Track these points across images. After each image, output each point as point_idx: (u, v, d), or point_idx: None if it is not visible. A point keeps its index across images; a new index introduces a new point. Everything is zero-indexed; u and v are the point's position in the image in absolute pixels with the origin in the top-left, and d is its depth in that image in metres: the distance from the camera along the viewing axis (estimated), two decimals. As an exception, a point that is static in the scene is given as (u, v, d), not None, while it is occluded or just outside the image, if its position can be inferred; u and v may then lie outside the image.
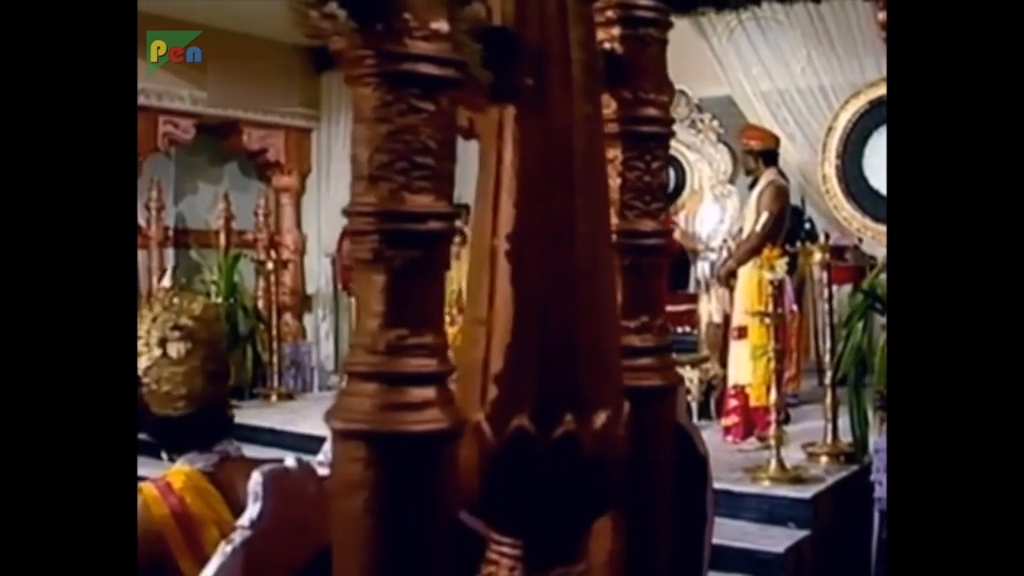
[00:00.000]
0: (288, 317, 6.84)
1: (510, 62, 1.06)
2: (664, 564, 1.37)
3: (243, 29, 6.47)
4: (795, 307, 5.29)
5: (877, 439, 3.67)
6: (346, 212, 0.96)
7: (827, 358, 4.01)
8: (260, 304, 6.72)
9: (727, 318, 5.26)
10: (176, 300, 1.69)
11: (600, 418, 1.10)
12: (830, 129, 4.13)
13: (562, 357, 1.08)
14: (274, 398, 6.47)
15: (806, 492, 3.64)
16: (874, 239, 3.90)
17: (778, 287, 3.93)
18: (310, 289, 7.26)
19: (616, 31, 1.27)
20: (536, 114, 1.07)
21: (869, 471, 3.84)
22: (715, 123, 6.43)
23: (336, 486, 0.94)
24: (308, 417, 5.77)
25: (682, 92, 6.64)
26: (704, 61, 7.28)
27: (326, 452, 1.52)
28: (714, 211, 6.40)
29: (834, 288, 5.74)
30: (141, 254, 6.23)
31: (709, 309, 5.51)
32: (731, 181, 6.39)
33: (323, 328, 7.24)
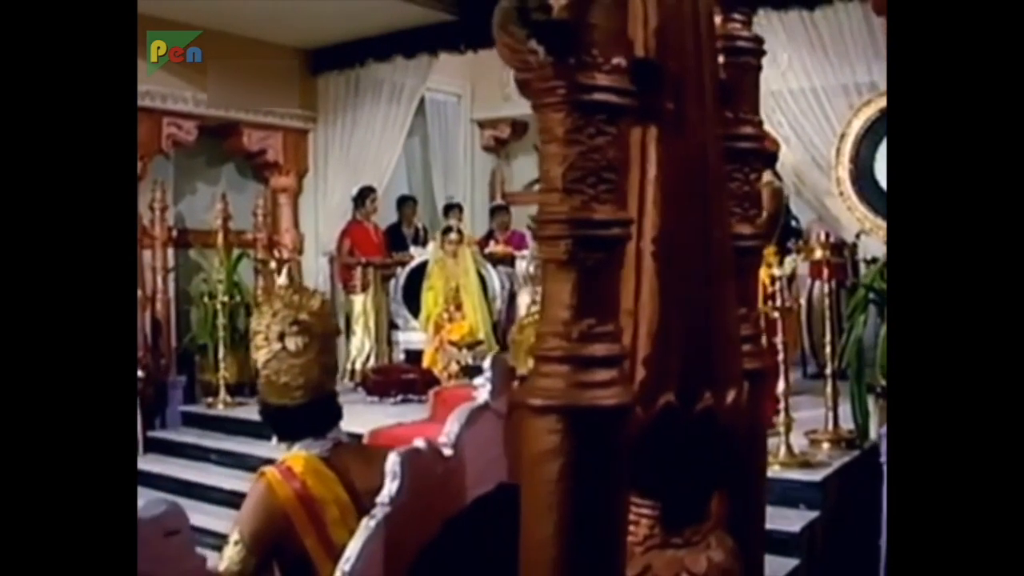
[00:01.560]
0: (284, 316, 6.91)
1: (654, 89, 1.22)
2: (761, 526, 1.55)
3: (241, 31, 6.55)
4: (801, 300, 5.50)
5: (880, 426, 3.89)
6: (535, 219, 1.13)
7: (827, 350, 4.23)
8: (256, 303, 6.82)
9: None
10: (296, 297, 1.81)
11: (731, 394, 1.28)
12: (843, 135, 4.37)
13: (700, 342, 1.25)
14: (277, 395, 6.56)
15: (816, 475, 3.83)
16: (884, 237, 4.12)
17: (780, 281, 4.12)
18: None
19: (720, 59, 1.44)
20: (676, 134, 1.23)
21: (869, 455, 4.06)
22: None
23: (531, 456, 1.09)
24: (317, 412, 5.87)
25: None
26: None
27: (448, 435, 1.66)
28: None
29: (818, 284, 5.97)
30: (146, 254, 6.29)
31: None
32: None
33: (321, 326, 7.33)
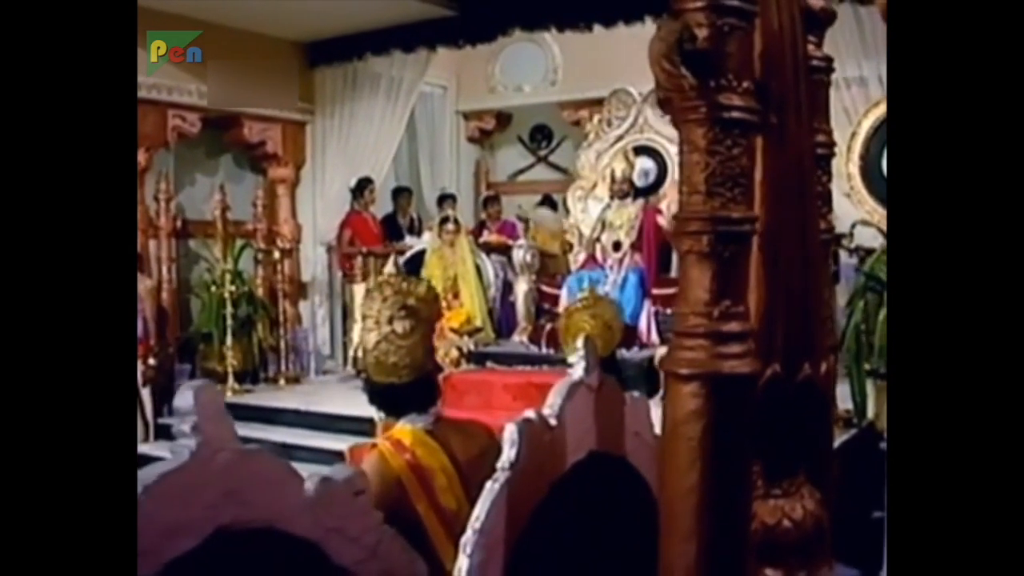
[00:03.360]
0: (285, 304, 7.07)
1: (764, 106, 1.42)
2: (831, 480, 1.76)
3: (238, 24, 6.65)
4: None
5: (877, 406, 4.16)
6: (677, 217, 1.32)
7: (825, 334, 4.45)
8: (260, 292, 6.95)
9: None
10: (404, 284, 1.99)
11: (824, 366, 1.49)
12: (853, 135, 4.63)
13: (800, 320, 1.46)
14: (282, 382, 6.74)
15: (821, 451, 4.08)
16: (892, 228, 4.35)
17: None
18: (305, 277, 7.50)
19: (799, 74, 1.65)
20: (778, 144, 1.44)
21: (867, 433, 4.33)
22: (695, 118, 6.81)
23: (675, 417, 1.29)
24: (326, 398, 6.03)
25: (663, 89, 7.06)
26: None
27: (552, 406, 1.85)
28: (694, 200, 6.81)
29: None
30: (152, 244, 6.42)
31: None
32: (709, 172, 6.80)
33: (319, 314, 7.49)
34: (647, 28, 6.28)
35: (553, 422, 1.82)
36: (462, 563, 1.59)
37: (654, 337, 6.13)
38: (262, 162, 7.39)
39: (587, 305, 2.84)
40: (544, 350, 6.20)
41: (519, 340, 6.63)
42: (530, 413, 1.78)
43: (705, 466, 1.27)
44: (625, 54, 7.54)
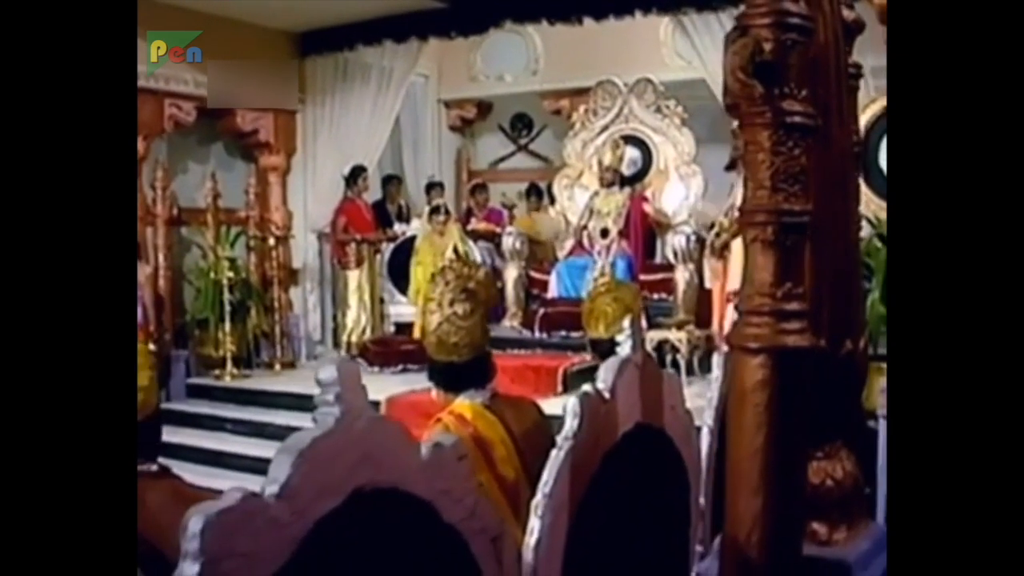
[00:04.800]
0: (278, 291, 7.16)
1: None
2: (857, 445, 1.95)
3: (232, 15, 6.70)
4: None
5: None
6: (742, 210, 1.49)
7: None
8: (253, 279, 7.04)
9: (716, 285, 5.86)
10: (465, 269, 2.14)
11: (861, 342, 1.67)
12: None
13: (843, 301, 1.64)
14: (277, 367, 6.85)
15: (813, 428, 4.29)
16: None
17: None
18: (296, 264, 7.58)
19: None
20: (823, 145, 1.61)
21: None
22: (679, 108, 7.05)
23: (743, 387, 1.46)
24: (324, 383, 6.12)
25: (648, 80, 7.26)
26: (665, 49, 7.91)
27: (605, 381, 2.02)
28: (679, 189, 7.02)
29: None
30: (149, 231, 6.48)
31: (685, 277, 6.13)
32: (694, 161, 7.04)
33: (310, 301, 7.59)
34: (631, 21, 6.45)
35: (607, 396, 1.99)
36: (533, 523, 1.75)
37: (643, 322, 6.30)
38: (253, 150, 7.46)
39: (609, 289, 3.00)
40: (537, 334, 6.35)
41: (509, 325, 6.76)
42: (588, 387, 1.95)
43: (770, 430, 1.45)
44: (606, 46, 7.74)
